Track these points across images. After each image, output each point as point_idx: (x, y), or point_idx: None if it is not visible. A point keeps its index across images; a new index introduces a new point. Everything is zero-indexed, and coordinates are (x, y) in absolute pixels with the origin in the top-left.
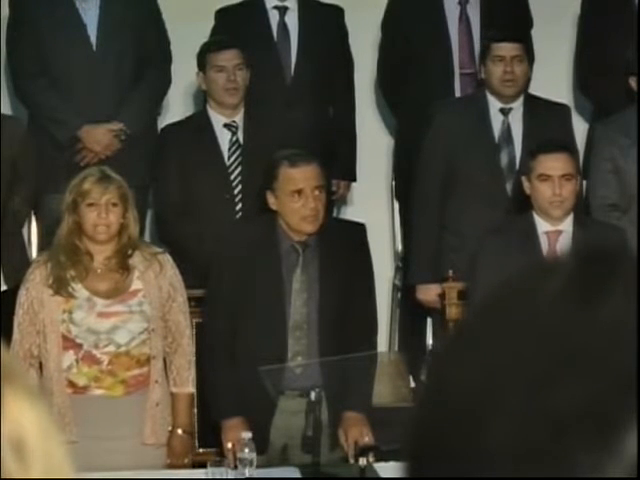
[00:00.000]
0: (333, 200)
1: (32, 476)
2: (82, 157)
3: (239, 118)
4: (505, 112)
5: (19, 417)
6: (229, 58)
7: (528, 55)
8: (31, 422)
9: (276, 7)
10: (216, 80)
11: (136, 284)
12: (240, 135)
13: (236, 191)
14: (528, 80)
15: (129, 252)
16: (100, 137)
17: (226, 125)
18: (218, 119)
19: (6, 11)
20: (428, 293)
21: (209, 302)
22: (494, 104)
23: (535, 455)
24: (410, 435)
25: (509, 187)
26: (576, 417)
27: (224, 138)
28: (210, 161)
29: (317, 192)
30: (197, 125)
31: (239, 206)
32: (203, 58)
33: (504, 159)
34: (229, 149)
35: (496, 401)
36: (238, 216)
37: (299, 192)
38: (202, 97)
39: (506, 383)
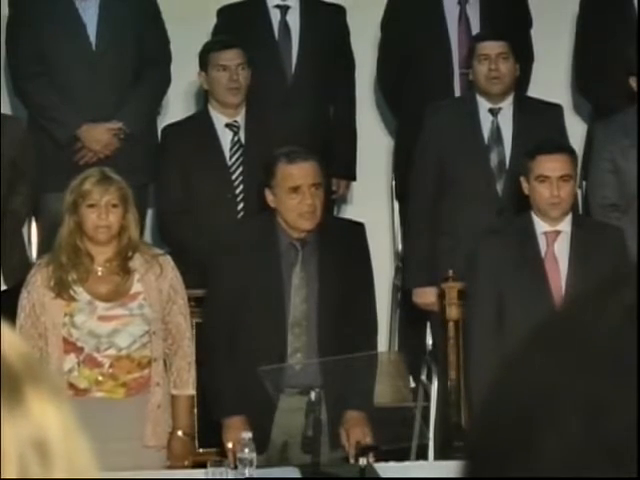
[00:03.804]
0: (333, 200)
1: (55, 477)
2: (81, 156)
3: (240, 118)
4: (494, 112)
5: (42, 418)
6: (232, 57)
7: (515, 53)
8: (55, 423)
9: (278, 6)
10: (218, 79)
11: (136, 287)
12: (242, 135)
13: (238, 191)
14: (516, 79)
15: (129, 254)
16: (99, 136)
17: (228, 125)
18: (219, 119)
19: (6, 11)
20: (424, 296)
21: (209, 300)
22: (483, 105)
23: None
24: (470, 434)
25: (500, 187)
26: (629, 447)
27: (225, 138)
28: (212, 161)
29: (314, 189)
30: (198, 125)
31: (241, 206)
32: (205, 57)
33: (494, 159)
34: (230, 149)
35: (551, 418)
36: (240, 216)
37: (296, 189)
38: (202, 97)
39: (563, 403)
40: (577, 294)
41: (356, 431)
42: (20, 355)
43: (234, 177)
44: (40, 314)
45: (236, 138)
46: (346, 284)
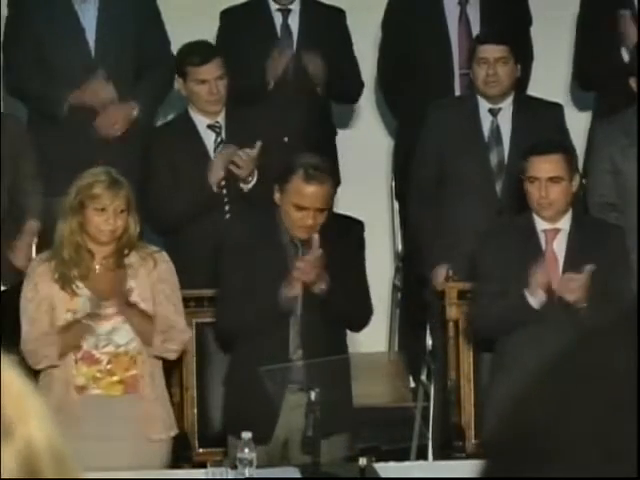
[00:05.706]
0: None
1: None
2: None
3: (221, 118)
4: (494, 112)
5: (29, 439)
6: (210, 71)
7: (515, 55)
8: (41, 443)
9: (279, 9)
10: (198, 92)
11: (130, 283)
12: (224, 135)
13: (224, 191)
14: (516, 80)
15: (125, 251)
16: (97, 88)
17: (209, 126)
18: (201, 120)
19: (6, 11)
20: (437, 274)
21: (220, 300)
22: (483, 104)
23: None
24: (487, 442)
25: (499, 187)
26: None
27: (209, 139)
28: (197, 162)
29: (319, 212)
30: (181, 127)
31: (227, 207)
32: (183, 67)
33: (493, 159)
34: (214, 149)
35: (563, 445)
36: (227, 216)
37: (302, 208)
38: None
39: (578, 431)
40: (594, 327)
41: None
42: (12, 399)
43: None
44: (48, 307)
45: (219, 139)
46: (346, 282)
